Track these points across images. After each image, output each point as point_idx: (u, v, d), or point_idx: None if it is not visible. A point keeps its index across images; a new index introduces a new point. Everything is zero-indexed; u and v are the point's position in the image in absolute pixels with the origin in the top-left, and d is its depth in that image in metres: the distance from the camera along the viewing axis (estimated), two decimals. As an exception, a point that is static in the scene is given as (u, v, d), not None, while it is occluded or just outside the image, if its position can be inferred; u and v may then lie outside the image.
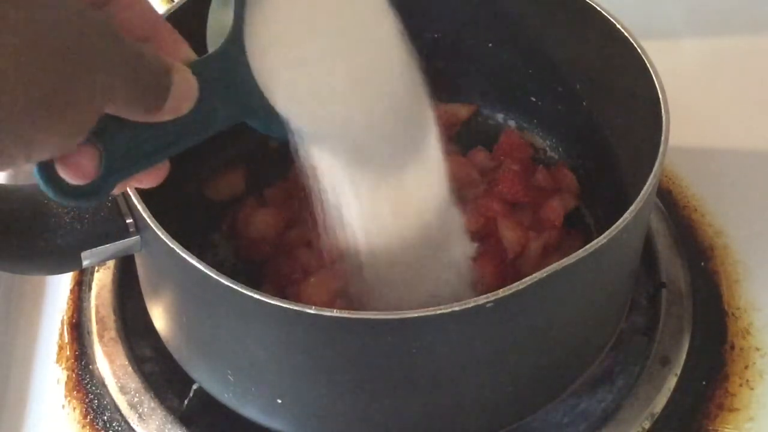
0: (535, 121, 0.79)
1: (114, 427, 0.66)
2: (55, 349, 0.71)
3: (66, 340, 0.71)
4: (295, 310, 0.48)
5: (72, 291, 0.74)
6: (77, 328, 0.71)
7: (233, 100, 0.48)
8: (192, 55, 0.47)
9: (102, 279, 0.73)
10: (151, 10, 0.46)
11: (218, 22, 0.50)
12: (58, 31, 0.37)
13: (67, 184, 0.41)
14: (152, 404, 0.65)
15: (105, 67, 0.38)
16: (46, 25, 0.36)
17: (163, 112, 0.43)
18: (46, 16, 0.36)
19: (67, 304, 0.73)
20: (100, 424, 0.66)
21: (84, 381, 0.68)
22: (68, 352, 0.70)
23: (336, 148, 0.54)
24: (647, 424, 0.65)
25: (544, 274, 0.48)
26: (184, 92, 0.44)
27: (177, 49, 0.46)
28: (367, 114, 0.53)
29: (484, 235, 0.67)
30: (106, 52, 0.38)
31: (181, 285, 0.56)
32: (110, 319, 0.70)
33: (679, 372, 0.68)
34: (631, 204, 0.52)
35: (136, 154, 0.44)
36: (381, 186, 0.57)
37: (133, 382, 0.66)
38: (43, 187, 0.41)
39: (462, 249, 0.66)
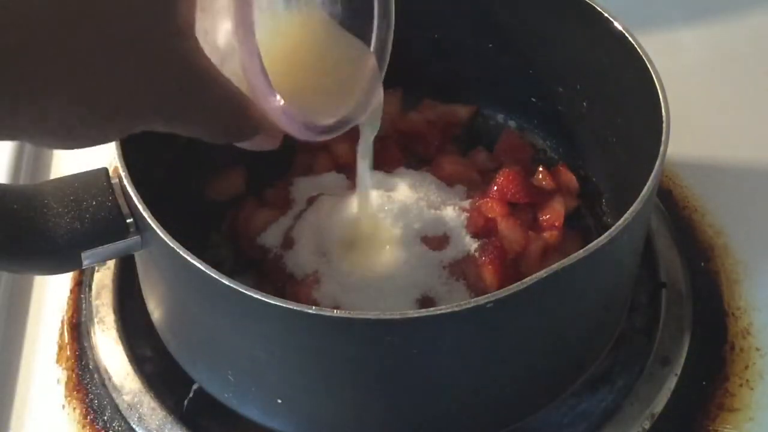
0: (535, 121, 0.79)
1: (114, 427, 0.66)
2: (55, 349, 0.71)
3: (66, 340, 0.71)
4: (295, 310, 0.48)
5: (72, 291, 0.74)
6: (77, 328, 0.71)
7: None
8: None
9: (102, 279, 0.73)
10: None
11: None
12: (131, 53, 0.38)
13: None
14: (152, 404, 0.65)
15: (160, 96, 0.40)
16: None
17: (246, 144, 0.46)
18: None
19: (67, 304, 0.73)
20: (100, 424, 0.66)
21: (84, 381, 0.68)
22: (68, 352, 0.70)
23: None
24: (647, 424, 0.65)
25: (544, 275, 0.48)
26: (265, 141, 0.47)
27: None
28: None
29: (484, 235, 0.67)
30: (166, 80, 0.40)
31: (182, 285, 0.56)
32: (110, 319, 0.70)
33: (679, 372, 0.68)
34: (631, 204, 0.52)
35: None
36: None
37: (133, 382, 0.66)
38: None
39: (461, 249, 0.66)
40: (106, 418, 0.66)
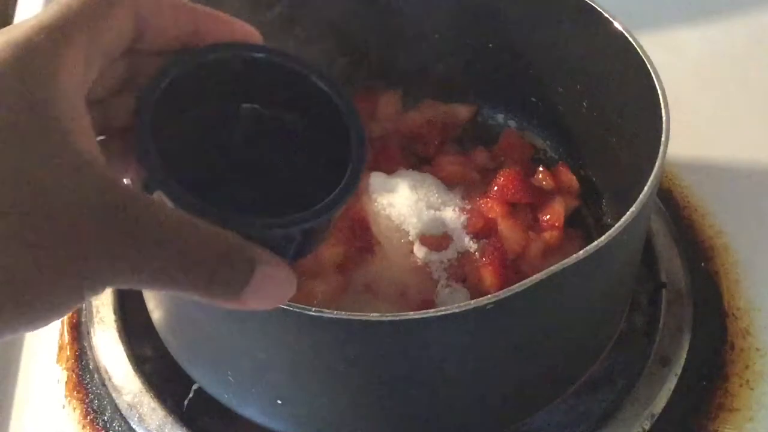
0: (535, 121, 0.79)
1: (114, 427, 0.66)
2: (55, 349, 0.71)
3: (66, 340, 0.71)
4: (296, 311, 0.48)
5: (72, 291, 0.74)
6: (77, 328, 0.71)
7: None
8: (256, 35, 0.39)
9: (102, 279, 0.72)
10: (185, 8, 0.37)
11: None
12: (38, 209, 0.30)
13: None
14: (152, 404, 0.65)
15: (98, 251, 0.31)
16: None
17: (240, 304, 0.34)
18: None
19: (68, 304, 0.73)
20: (100, 424, 0.66)
21: (84, 381, 0.68)
22: (68, 352, 0.70)
23: None
24: (647, 424, 0.65)
25: (545, 276, 0.48)
26: (270, 289, 0.35)
27: (231, 31, 0.38)
28: None
29: (484, 236, 0.67)
30: (102, 230, 0.31)
31: (182, 285, 0.56)
32: (110, 319, 0.70)
33: (679, 372, 0.68)
34: (631, 204, 0.52)
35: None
36: None
37: (133, 383, 0.66)
38: None
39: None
40: (106, 418, 0.66)
